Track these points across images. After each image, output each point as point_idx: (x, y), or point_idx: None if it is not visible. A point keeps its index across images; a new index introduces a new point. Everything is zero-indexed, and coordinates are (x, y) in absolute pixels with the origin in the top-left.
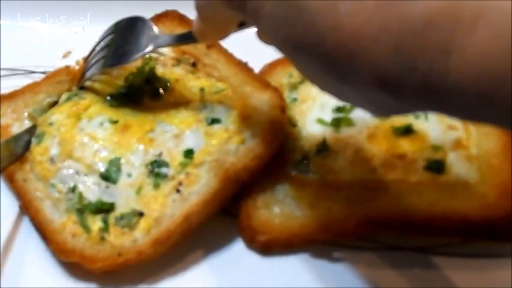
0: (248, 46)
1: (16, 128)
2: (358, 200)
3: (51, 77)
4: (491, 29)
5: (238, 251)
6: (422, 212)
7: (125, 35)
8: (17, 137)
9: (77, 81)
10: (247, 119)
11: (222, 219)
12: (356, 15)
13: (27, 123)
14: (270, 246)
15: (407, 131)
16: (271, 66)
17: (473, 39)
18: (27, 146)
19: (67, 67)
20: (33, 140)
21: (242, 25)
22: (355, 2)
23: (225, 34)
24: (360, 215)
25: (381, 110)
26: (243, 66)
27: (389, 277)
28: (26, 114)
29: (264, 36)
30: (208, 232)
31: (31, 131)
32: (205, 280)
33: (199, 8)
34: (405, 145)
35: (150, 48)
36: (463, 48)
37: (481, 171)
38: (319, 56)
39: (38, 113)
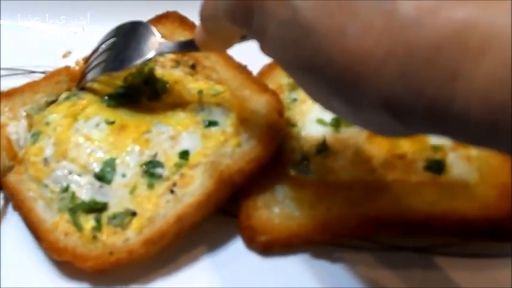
0: (247, 47)
1: (12, 127)
2: (358, 200)
3: (50, 76)
4: (499, 58)
5: (237, 251)
6: (422, 212)
7: (126, 39)
8: None
9: (76, 81)
10: (244, 122)
11: (222, 219)
12: (364, 39)
13: (23, 123)
14: (269, 246)
15: None
16: (271, 67)
17: (481, 67)
18: None
19: (67, 67)
20: (29, 139)
21: (245, 37)
22: (364, 25)
23: (227, 46)
24: (359, 215)
25: (386, 132)
26: (242, 69)
27: (389, 277)
28: (23, 113)
29: (268, 51)
30: (207, 232)
31: None
32: (205, 280)
33: (203, 20)
34: (405, 145)
35: (151, 54)
36: (470, 75)
37: (480, 172)
38: (326, 78)
39: (35, 111)
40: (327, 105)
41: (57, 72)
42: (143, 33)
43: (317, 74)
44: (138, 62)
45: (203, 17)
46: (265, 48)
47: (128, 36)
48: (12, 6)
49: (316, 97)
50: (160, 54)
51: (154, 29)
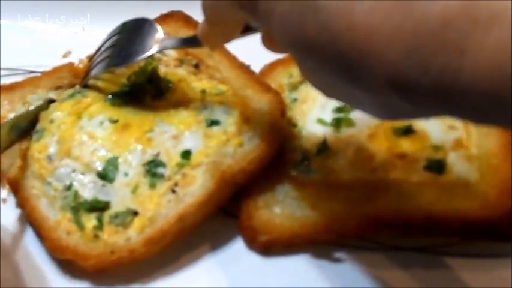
0: (250, 47)
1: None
2: (358, 200)
3: (52, 72)
4: (508, 29)
5: (238, 251)
6: (423, 211)
7: (130, 35)
8: (15, 122)
9: (80, 79)
10: (246, 122)
11: (223, 219)
12: (371, 15)
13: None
14: (270, 246)
15: (407, 130)
16: (272, 67)
17: (489, 39)
18: (23, 134)
19: (70, 63)
20: (33, 137)
21: (246, 31)
22: (372, 2)
23: (229, 38)
24: (360, 215)
25: (391, 114)
26: (245, 69)
27: (390, 277)
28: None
29: (271, 41)
30: (208, 232)
31: (28, 116)
32: (206, 280)
33: (206, 8)
34: (406, 145)
35: (155, 49)
36: (478, 48)
37: (481, 171)
38: (332, 56)
39: (35, 101)
40: (330, 91)
41: (60, 68)
42: (147, 30)
43: (322, 52)
44: (142, 57)
45: (206, 5)
46: (266, 37)
47: (131, 32)
48: (12, 6)
49: (319, 82)
50: (164, 49)
51: (158, 26)
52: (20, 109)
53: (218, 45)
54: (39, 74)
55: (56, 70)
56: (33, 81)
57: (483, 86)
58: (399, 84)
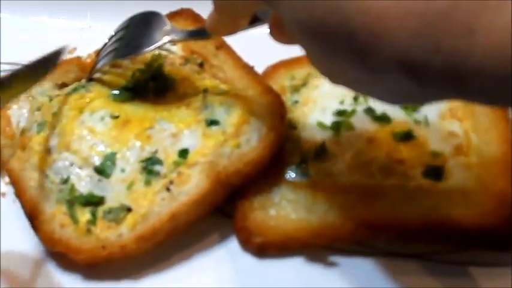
0: (255, 48)
1: (15, 111)
2: (355, 205)
3: (59, 66)
4: None
5: (232, 252)
6: (420, 218)
7: (138, 28)
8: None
9: (87, 73)
10: (245, 123)
11: (218, 219)
12: None
13: (26, 104)
14: (265, 248)
15: (407, 136)
16: (274, 68)
17: (499, 20)
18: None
19: (78, 58)
20: (35, 128)
21: (253, 22)
22: None
23: (237, 28)
24: (356, 220)
25: (400, 98)
26: (249, 70)
27: (385, 283)
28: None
29: (279, 30)
30: (202, 231)
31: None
32: (198, 279)
33: None
34: (405, 151)
35: (163, 41)
36: (488, 29)
37: (480, 179)
38: (342, 38)
39: (39, 94)
40: (339, 77)
41: (68, 62)
42: (155, 23)
43: (333, 34)
44: (149, 48)
45: None
46: (275, 27)
47: (140, 25)
48: (20, 0)
49: (329, 67)
50: (172, 41)
51: (165, 19)
52: (25, 103)
53: (226, 34)
54: None
55: (64, 64)
56: None
57: (492, 67)
58: (410, 65)
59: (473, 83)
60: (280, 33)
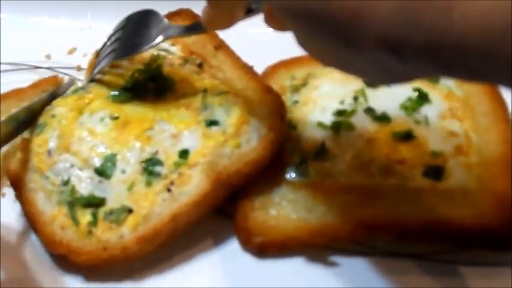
0: (254, 48)
1: None
2: (355, 205)
3: (37, 84)
4: None
5: (233, 252)
6: (420, 218)
7: (135, 27)
8: (13, 116)
9: (87, 74)
10: (245, 123)
11: (218, 219)
12: None
13: None
14: (265, 248)
15: (407, 136)
16: (274, 68)
17: None
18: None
19: (55, 76)
20: (35, 131)
21: (249, 12)
22: None
23: (232, 20)
24: (356, 220)
25: (386, 77)
26: (248, 70)
27: (385, 283)
28: None
29: (272, 18)
30: (203, 231)
31: (30, 110)
32: (199, 280)
33: None
34: (405, 150)
35: (160, 39)
36: (466, 4)
37: (480, 179)
38: (324, 20)
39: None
40: (327, 58)
41: (44, 81)
42: (151, 20)
43: (316, 17)
44: (147, 47)
45: None
46: (268, 13)
47: (136, 24)
48: (19, 0)
49: (317, 49)
50: (169, 38)
51: (162, 16)
52: None
53: (222, 28)
54: (44, 70)
55: (41, 83)
56: (18, 93)
57: (472, 42)
58: (391, 42)
59: (455, 58)
60: (274, 20)
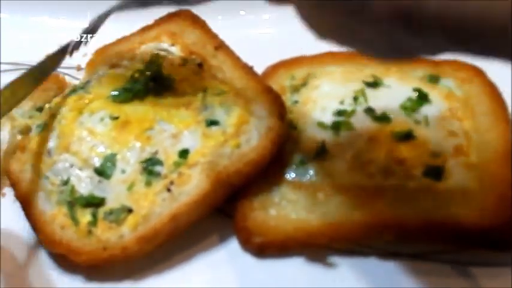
0: (254, 48)
1: None
2: (355, 205)
3: None
4: None
5: (232, 252)
6: (420, 218)
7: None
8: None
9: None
10: (245, 123)
11: (218, 219)
12: None
13: (7, 125)
14: (265, 248)
15: (407, 136)
16: (274, 68)
17: None
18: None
19: (56, 75)
20: (34, 130)
21: None
22: None
23: None
24: (356, 220)
25: (393, 50)
26: (248, 70)
27: (385, 283)
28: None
29: None
30: (203, 231)
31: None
32: (199, 279)
33: None
34: (405, 150)
35: None
36: None
37: (480, 179)
38: None
39: (19, 115)
40: (331, 31)
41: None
42: None
43: None
44: None
45: None
46: None
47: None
48: (19, 0)
49: (321, 21)
50: None
51: None
52: (6, 123)
53: None
54: None
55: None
56: None
57: (488, 13)
58: (403, 11)
59: (470, 30)
60: None
